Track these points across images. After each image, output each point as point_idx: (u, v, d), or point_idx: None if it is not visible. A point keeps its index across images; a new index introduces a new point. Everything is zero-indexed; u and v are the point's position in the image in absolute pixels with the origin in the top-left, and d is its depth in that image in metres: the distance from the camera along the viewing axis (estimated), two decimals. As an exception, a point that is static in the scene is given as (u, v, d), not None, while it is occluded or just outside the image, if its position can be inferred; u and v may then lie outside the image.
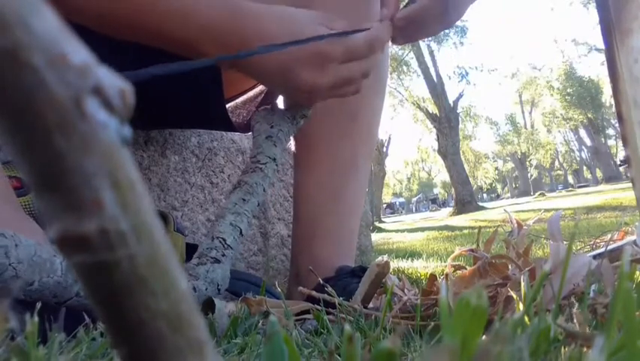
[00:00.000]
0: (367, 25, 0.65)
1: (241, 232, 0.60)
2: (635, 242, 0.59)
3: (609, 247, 0.60)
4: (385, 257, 0.60)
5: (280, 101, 0.84)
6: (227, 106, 0.93)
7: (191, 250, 0.85)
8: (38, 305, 0.39)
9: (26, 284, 0.46)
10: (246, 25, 0.62)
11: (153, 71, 0.49)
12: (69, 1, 0.60)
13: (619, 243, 0.66)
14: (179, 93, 0.85)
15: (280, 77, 0.63)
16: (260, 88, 0.96)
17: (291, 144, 0.84)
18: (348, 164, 0.82)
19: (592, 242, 0.80)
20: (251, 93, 0.97)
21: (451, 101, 13.11)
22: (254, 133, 0.70)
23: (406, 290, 0.56)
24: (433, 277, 0.56)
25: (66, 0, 0.60)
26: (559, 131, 32.59)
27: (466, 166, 15.67)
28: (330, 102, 0.71)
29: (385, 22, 0.67)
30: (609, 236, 0.74)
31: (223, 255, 0.56)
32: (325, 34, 0.60)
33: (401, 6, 0.71)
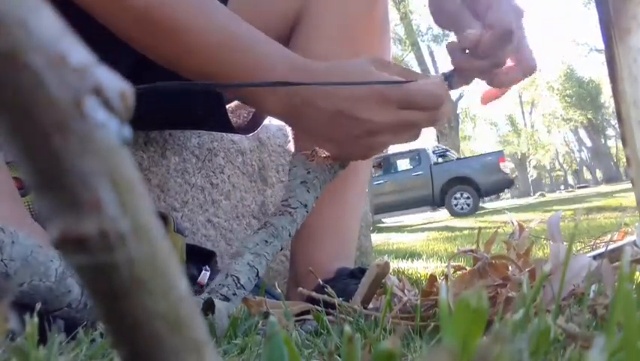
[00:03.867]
0: (427, 80, 0.63)
1: (257, 274, 0.59)
2: (635, 243, 0.59)
3: (609, 248, 0.60)
4: (385, 258, 0.60)
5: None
6: (227, 107, 0.93)
7: (191, 250, 0.85)
8: (38, 306, 0.39)
9: (17, 284, 0.46)
10: (313, 81, 0.62)
11: (165, 85, 0.50)
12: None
13: (619, 243, 0.66)
14: (179, 94, 0.85)
15: (336, 122, 0.62)
16: None
17: (291, 145, 0.84)
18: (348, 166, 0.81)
19: (592, 243, 0.80)
20: None
21: (450, 102, 13.09)
22: (290, 176, 0.70)
23: (405, 291, 0.56)
24: (433, 278, 0.56)
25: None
26: (559, 132, 32.60)
27: (466, 167, 15.62)
28: None
29: (440, 77, 0.65)
30: (609, 237, 0.74)
31: (234, 294, 0.56)
32: (381, 81, 0.60)
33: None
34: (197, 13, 0.63)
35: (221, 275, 0.58)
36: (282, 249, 0.64)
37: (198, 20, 0.63)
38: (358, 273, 0.71)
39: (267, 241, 0.61)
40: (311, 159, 0.69)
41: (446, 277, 0.55)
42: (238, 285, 0.56)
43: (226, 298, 0.54)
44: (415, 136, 0.66)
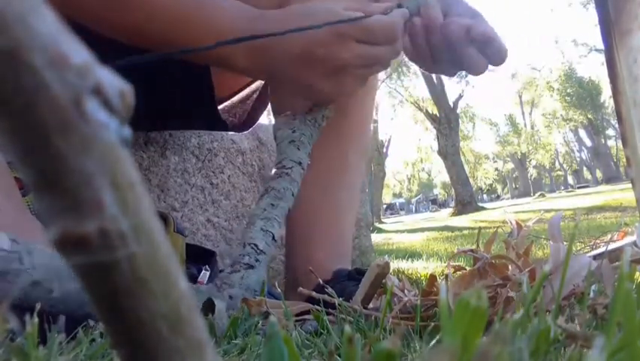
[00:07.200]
0: (382, 9, 0.64)
1: (274, 237, 0.59)
2: (635, 243, 0.59)
3: (609, 248, 0.60)
4: (385, 258, 0.60)
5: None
6: (223, 105, 0.93)
7: (191, 250, 0.85)
8: (38, 306, 0.39)
9: (47, 292, 0.45)
10: (271, 28, 0.62)
11: (135, 60, 0.50)
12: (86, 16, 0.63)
13: (619, 243, 0.66)
14: (173, 94, 0.85)
15: (302, 63, 0.63)
16: (256, 84, 0.96)
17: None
18: (339, 161, 0.81)
19: (592, 243, 0.80)
20: (246, 91, 0.97)
21: (450, 102, 13.11)
22: (277, 140, 0.69)
23: (406, 291, 0.56)
24: (433, 278, 0.56)
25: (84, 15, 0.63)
26: (559, 132, 32.61)
27: (466, 167, 15.67)
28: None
29: (402, 10, 0.65)
30: (609, 237, 0.74)
31: (257, 260, 0.56)
32: (338, 20, 0.60)
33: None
34: None
35: (239, 246, 0.58)
36: (289, 210, 0.63)
37: None
38: (356, 274, 0.71)
39: (273, 205, 0.61)
40: (292, 119, 0.69)
41: (446, 277, 0.55)
42: (258, 251, 0.57)
43: (250, 266, 0.55)
44: (384, 67, 0.68)
